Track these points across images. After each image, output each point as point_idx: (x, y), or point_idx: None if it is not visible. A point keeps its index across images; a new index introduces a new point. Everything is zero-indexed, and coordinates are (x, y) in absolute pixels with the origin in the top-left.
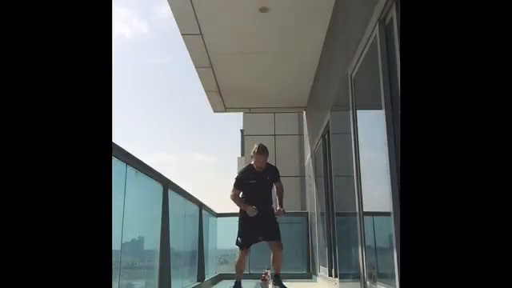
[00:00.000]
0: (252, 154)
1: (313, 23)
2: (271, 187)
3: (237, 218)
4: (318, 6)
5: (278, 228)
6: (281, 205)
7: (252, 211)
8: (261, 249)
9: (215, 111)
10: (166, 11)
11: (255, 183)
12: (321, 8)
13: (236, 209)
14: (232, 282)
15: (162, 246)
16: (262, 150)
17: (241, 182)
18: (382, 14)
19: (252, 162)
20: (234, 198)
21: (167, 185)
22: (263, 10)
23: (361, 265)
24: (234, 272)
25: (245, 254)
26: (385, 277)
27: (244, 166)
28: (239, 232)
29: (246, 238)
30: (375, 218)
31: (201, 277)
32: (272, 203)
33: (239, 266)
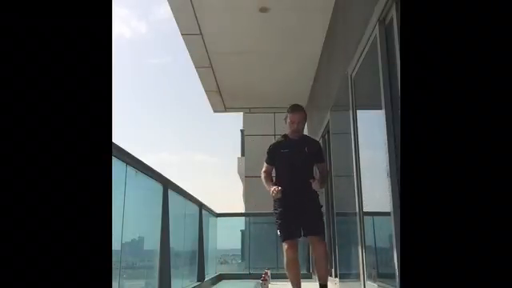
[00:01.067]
0: (285, 116)
1: (313, 23)
2: (311, 163)
3: (237, 219)
4: (317, 5)
5: (322, 218)
6: (320, 181)
7: (275, 194)
8: (261, 247)
9: (215, 111)
10: (165, 11)
11: (288, 153)
12: (321, 8)
13: (236, 209)
14: (232, 282)
15: (162, 246)
16: (297, 108)
17: (272, 154)
18: (382, 14)
19: (287, 132)
20: (265, 176)
21: (167, 185)
22: (263, 9)
23: (361, 265)
24: (236, 272)
25: (291, 249)
26: (385, 276)
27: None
28: (278, 224)
29: (287, 229)
30: (375, 218)
31: (201, 277)
32: (311, 185)
33: (289, 268)
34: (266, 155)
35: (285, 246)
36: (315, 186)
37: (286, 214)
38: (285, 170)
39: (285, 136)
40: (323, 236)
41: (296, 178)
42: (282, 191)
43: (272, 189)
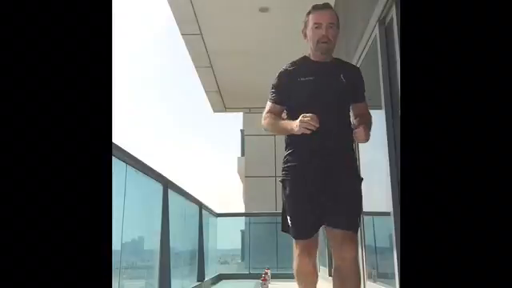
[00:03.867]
0: (303, 26)
1: None
2: (347, 104)
3: (237, 219)
4: None
5: (359, 197)
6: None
7: (310, 122)
8: (261, 247)
9: (215, 111)
10: (165, 11)
11: (313, 83)
12: None
13: (236, 209)
14: (232, 282)
15: (162, 246)
16: (323, 5)
17: (285, 84)
18: (382, 14)
19: (308, 53)
20: (269, 120)
21: (167, 185)
22: (263, 9)
23: (361, 265)
24: (236, 272)
25: (308, 255)
26: (385, 277)
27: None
28: (287, 208)
29: (302, 217)
30: (375, 217)
31: (201, 277)
32: (349, 141)
33: (299, 274)
34: (271, 90)
35: (297, 248)
36: (360, 134)
37: (299, 196)
38: (306, 110)
39: (306, 57)
40: (355, 229)
41: (326, 126)
42: (302, 150)
43: (301, 120)
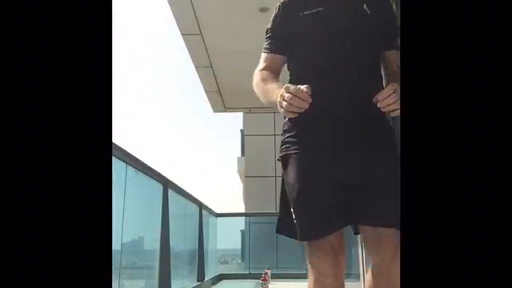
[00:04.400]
0: None
1: None
2: (374, 46)
3: (237, 219)
4: None
5: (396, 180)
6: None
7: (291, 102)
8: (261, 247)
9: (215, 111)
10: (165, 11)
11: (321, 15)
12: None
13: (236, 209)
14: (232, 282)
15: (161, 246)
16: None
17: (283, 23)
18: None
19: None
20: (255, 82)
21: (167, 185)
22: (263, 10)
23: (361, 265)
24: (236, 272)
25: (330, 254)
26: None
27: None
28: (290, 193)
29: (316, 201)
30: None
31: (201, 277)
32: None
33: None
34: (265, 36)
35: (311, 255)
36: (384, 97)
37: (315, 166)
38: (313, 60)
39: None
40: (393, 226)
41: (343, 78)
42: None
43: (282, 91)
